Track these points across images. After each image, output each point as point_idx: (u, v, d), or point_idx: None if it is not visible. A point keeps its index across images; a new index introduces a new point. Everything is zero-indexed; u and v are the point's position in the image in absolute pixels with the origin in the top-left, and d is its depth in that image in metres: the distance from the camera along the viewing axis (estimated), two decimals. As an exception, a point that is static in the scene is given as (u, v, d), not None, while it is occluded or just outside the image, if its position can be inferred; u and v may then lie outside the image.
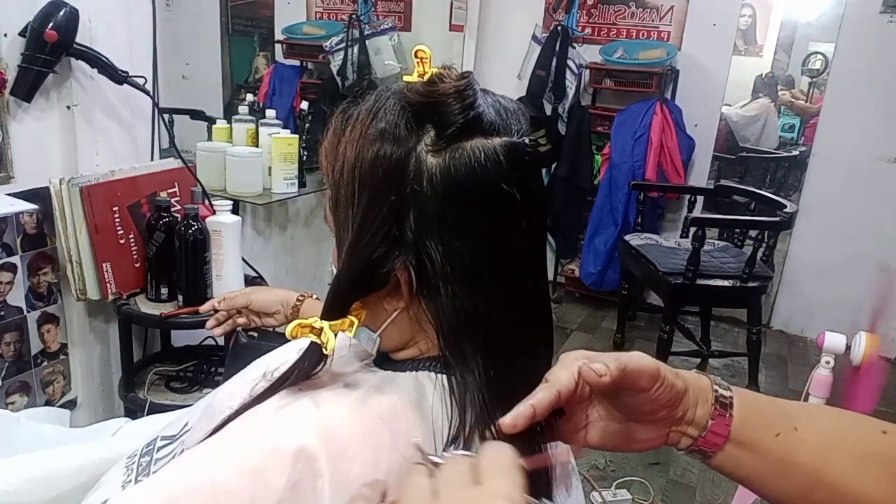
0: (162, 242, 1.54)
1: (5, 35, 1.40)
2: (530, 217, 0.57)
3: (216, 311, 1.10)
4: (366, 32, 3.55)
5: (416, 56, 0.57)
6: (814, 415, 0.57)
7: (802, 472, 0.53)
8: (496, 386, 0.56)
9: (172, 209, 1.58)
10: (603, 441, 0.55)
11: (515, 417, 0.47)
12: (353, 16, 3.58)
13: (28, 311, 1.47)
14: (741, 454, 0.53)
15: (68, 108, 1.52)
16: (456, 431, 0.54)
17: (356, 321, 0.58)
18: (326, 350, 0.56)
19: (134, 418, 1.11)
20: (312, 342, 0.57)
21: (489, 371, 0.56)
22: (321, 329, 0.56)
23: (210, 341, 1.82)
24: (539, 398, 0.49)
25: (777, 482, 0.53)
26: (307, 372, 0.58)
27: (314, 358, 0.58)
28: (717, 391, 0.54)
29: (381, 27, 3.58)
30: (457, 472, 0.40)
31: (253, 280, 1.77)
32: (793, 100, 5.17)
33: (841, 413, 0.58)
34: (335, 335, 0.57)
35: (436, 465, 0.42)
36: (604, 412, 0.55)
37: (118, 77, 1.51)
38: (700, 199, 3.28)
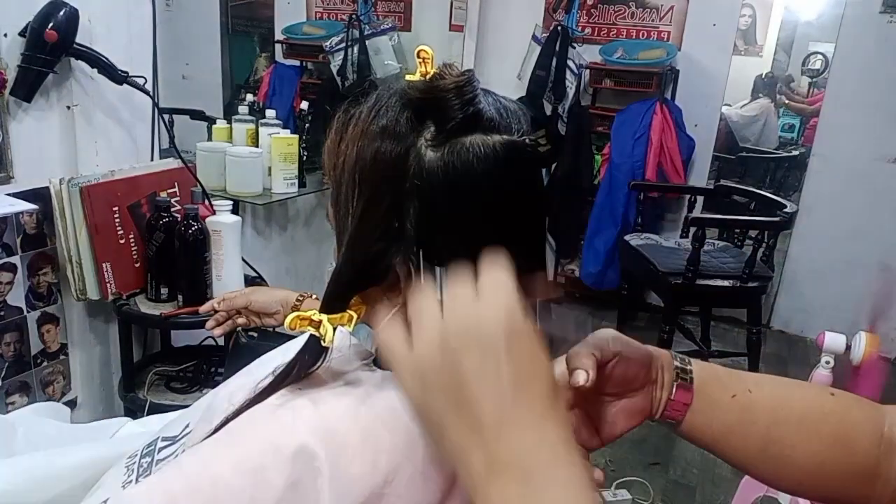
0: (162, 242, 1.54)
1: (5, 35, 1.41)
2: (529, 215, 0.57)
3: (216, 311, 1.10)
4: (366, 32, 3.55)
5: (418, 56, 0.57)
6: (766, 380, 0.62)
7: (758, 432, 0.57)
8: None
9: (172, 209, 1.58)
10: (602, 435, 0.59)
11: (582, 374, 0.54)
12: (353, 16, 3.58)
13: (28, 311, 1.47)
14: (703, 418, 0.57)
15: (68, 108, 1.53)
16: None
17: (355, 316, 0.58)
18: (325, 342, 0.56)
19: (134, 418, 1.11)
20: (311, 335, 0.57)
21: None
22: (320, 322, 0.56)
23: (210, 341, 1.82)
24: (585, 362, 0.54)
25: (737, 442, 0.58)
26: (308, 365, 0.58)
27: (314, 351, 0.58)
28: (676, 364, 0.59)
29: (381, 27, 3.59)
30: (461, 291, 0.44)
31: (253, 280, 1.77)
32: (789, 101, 5.17)
33: (792, 380, 0.63)
34: (334, 329, 0.57)
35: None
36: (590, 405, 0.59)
37: (118, 77, 1.51)
38: (700, 199, 3.28)
